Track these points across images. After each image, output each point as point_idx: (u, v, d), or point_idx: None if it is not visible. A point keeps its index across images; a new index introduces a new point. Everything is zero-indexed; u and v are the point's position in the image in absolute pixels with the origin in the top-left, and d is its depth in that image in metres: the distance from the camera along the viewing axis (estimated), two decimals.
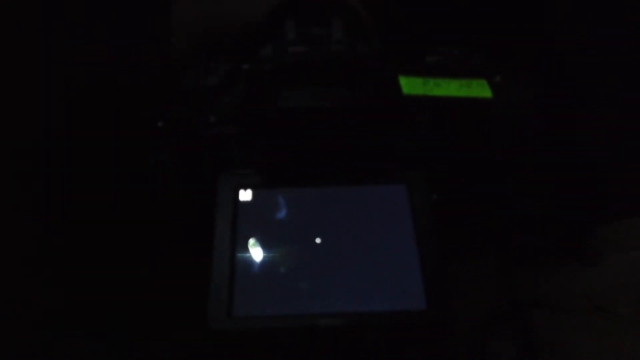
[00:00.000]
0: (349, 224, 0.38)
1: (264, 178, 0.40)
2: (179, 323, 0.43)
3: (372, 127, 0.40)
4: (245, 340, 0.35)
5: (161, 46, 0.57)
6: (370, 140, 0.40)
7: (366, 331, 0.35)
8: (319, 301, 0.35)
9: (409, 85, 0.43)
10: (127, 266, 0.46)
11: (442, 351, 0.37)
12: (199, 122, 0.42)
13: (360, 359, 0.35)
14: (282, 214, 0.39)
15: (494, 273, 0.53)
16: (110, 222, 0.46)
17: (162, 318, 0.45)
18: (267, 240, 0.37)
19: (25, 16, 0.46)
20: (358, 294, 0.35)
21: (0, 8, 0.44)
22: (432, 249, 0.37)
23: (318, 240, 0.37)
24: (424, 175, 0.40)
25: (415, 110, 0.42)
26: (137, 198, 0.44)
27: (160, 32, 0.57)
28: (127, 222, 0.46)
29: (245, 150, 0.41)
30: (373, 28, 0.53)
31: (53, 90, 0.47)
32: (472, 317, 0.58)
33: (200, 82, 0.43)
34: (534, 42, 0.54)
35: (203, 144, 0.41)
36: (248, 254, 0.37)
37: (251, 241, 0.37)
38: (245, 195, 0.39)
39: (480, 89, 0.43)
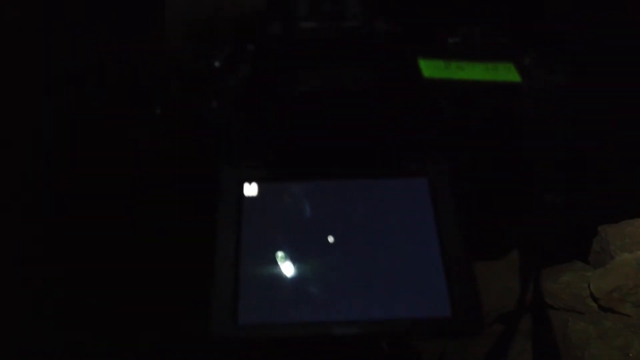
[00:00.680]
0: (364, 221, 0.36)
1: (270, 170, 0.38)
2: (181, 331, 0.43)
3: (389, 113, 0.38)
4: (252, 351, 0.33)
5: (156, 35, 0.56)
6: (388, 128, 0.38)
7: (383, 341, 0.33)
8: (332, 307, 0.33)
9: (430, 68, 0.40)
10: (127, 268, 0.45)
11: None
12: (200, 108, 0.40)
13: None
14: (290, 210, 0.36)
15: (507, 272, 0.52)
16: (110, 223, 0.46)
17: (163, 325, 0.45)
18: (274, 239, 0.35)
19: (23, 14, 0.46)
20: (375, 300, 0.33)
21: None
22: (457, 248, 0.34)
23: (330, 240, 0.35)
24: (446, 167, 0.37)
25: (436, 96, 0.40)
26: (137, 197, 0.44)
27: (155, 21, 0.56)
28: (127, 222, 0.45)
29: (251, 139, 0.39)
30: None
31: (50, 86, 0.47)
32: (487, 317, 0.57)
33: (201, 63, 0.41)
34: (561, 23, 0.52)
35: (204, 132, 0.40)
36: (254, 255, 0.34)
37: (258, 241, 0.35)
38: (251, 189, 0.37)
39: (507, 73, 0.41)
